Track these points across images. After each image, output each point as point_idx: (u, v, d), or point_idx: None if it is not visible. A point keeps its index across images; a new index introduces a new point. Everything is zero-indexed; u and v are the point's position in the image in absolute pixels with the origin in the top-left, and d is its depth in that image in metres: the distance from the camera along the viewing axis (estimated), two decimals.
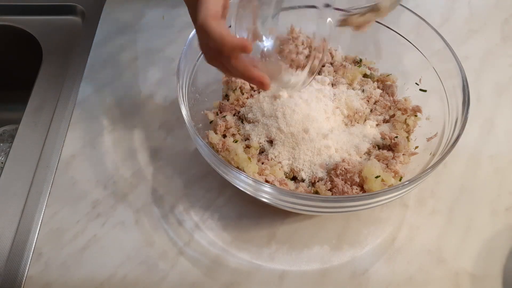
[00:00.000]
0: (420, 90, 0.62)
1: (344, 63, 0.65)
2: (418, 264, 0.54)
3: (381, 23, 0.64)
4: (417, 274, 0.53)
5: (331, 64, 0.67)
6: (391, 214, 0.58)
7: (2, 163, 0.85)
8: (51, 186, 0.60)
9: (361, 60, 0.67)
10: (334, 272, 0.53)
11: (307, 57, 0.54)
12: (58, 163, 0.62)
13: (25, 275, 0.53)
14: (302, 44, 0.67)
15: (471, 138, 0.65)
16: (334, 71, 0.65)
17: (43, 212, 0.58)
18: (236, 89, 0.63)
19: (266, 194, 0.50)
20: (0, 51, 0.86)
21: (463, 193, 0.60)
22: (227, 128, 0.60)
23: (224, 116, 0.60)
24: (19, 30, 0.82)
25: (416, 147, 0.59)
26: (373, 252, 0.55)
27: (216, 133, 0.58)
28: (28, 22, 0.82)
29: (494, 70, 0.74)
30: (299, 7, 0.55)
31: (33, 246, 0.55)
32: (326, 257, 0.54)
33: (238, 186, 0.52)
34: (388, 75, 0.65)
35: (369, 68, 0.67)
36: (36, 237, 0.55)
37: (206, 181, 0.61)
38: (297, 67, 0.51)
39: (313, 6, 0.49)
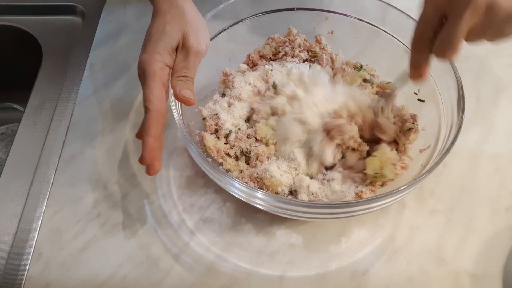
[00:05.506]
0: (418, 100, 0.62)
1: (344, 66, 0.65)
2: (418, 264, 0.54)
3: (382, 29, 0.64)
4: (417, 274, 0.53)
5: (331, 68, 0.66)
6: (391, 214, 0.58)
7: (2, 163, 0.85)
8: (51, 186, 0.60)
9: (361, 66, 0.66)
10: (334, 272, 0.53)
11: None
12: (58, 163, 0.62)
13: (25, 275, 0.53)
14: (299, 46, 0.67)
15: (471, 138, 0.65)
16: (334, 74, 0.65)
17: (43, 212, 0.58)
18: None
19: (260, 200, 0.50)
20: (0, 51, 0.86)
21: (463, 193, 0.60)
22: (219, 127, 0.59)
23: (216, 114, 0.60)
24: (19, 30, 0.82)
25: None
26: (373, 252, 0.55)
27: (205, 130, 0.58)
28: (28, 22, 0.82)
29: (494, 70, 0.73)
30: None
31: (33, 246, 0.55)
32: (326, 258, 0.54)
33: (232, 193, 0.52)
34: (388, 82, 0.64)
35: (370, 75, 0.66)
36: (36, 237, 0.56)
37: (205, 181, 0.61)
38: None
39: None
